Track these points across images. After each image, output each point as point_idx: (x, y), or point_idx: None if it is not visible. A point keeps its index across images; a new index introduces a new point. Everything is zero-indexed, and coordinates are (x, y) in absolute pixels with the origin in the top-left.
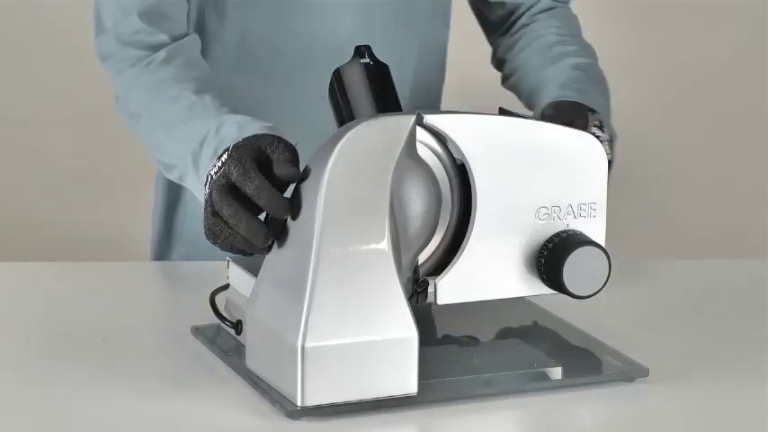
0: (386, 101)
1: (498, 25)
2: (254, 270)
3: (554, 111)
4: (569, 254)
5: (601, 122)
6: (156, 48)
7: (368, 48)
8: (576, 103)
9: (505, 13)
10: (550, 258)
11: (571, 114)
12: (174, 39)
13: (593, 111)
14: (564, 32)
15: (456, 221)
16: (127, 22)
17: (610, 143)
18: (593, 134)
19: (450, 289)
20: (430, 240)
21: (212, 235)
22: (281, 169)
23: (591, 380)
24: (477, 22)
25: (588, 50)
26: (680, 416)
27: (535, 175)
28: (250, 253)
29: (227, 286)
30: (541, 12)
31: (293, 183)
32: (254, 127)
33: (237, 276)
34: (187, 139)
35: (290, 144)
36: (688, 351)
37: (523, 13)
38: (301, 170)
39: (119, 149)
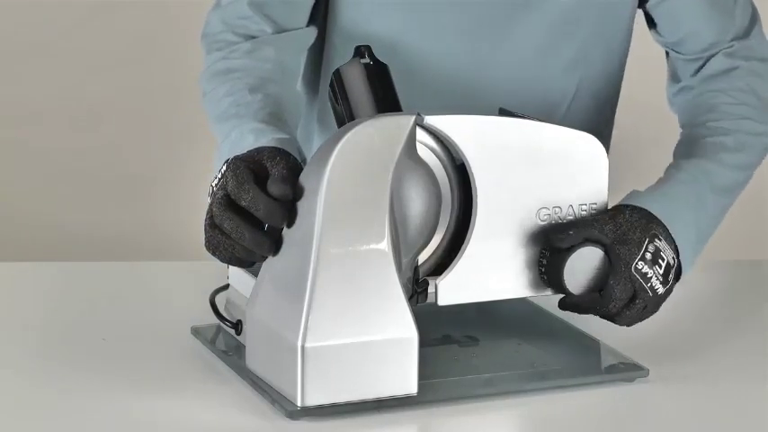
0: (386, 101)
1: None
2: (254, 270)
3: (612, 222)
4: (570, 254)
5: (657, 252)
6: (253, 37)
7: (368, 48)
8: (643, 215)
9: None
10: (551, 259)
11: (625, 232)
12: (279, 30)
13: (657, 234)
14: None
15: (456, 221)
16: (237, 6)
17: (666, 272)
18: (638, 272)
19: (451, 290)
20: (430, 240)
21: (211, 246)
22: (272, 187)
23: (591, 380)
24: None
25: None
26: (680, 416)
27: (535, 176)
28: (251, 263)
29: (227, 286)
30: (718, 74)
31: (287, 200)
32: (267, 138)
33: (237, 276)
34: (219, 136)
35: (293, 160)
36: (688, 351)
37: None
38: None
39: (119, 149)
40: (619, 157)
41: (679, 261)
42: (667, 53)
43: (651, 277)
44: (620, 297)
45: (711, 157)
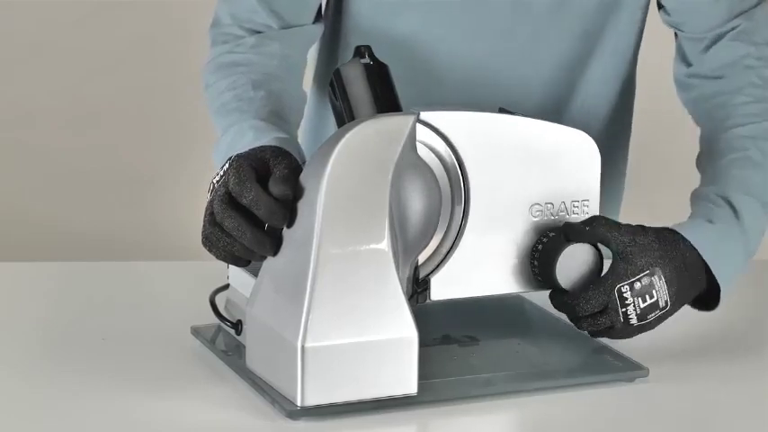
0: (386, 101)
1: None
2: (254, 270)
3: (630, 236)
4: (561, 251)
5: (649, 287)
6: (259, 32)
7: (368, 48)
8: (661, 247)
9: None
10: (543, 255)
11: (633, 253)
12: (285, 26)
13: (655, 272)
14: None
15: (456, 221)
16: (245, 1)
17: (649, 311)
18: (619, 293)
19: (443, 285)
20: (430, 240)
21: (208, 243)
22: (274, 187)
23: (591, 380)
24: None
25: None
26: (680, 416)
27: (528, 172)
28: (247, 262)
29: (227, 286)
30: (728, 65)
31: (288, 200)
32: (267, 137)
33: (237, 276)
34: (218, 128)
35: (294, 160)
36: (688, 351)
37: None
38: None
39: (119, 149)
40: (635, 162)
41: (672, 304)
42: (676, 34)
43: (629, 305)
44: (590, 304)
45: (744, 188)
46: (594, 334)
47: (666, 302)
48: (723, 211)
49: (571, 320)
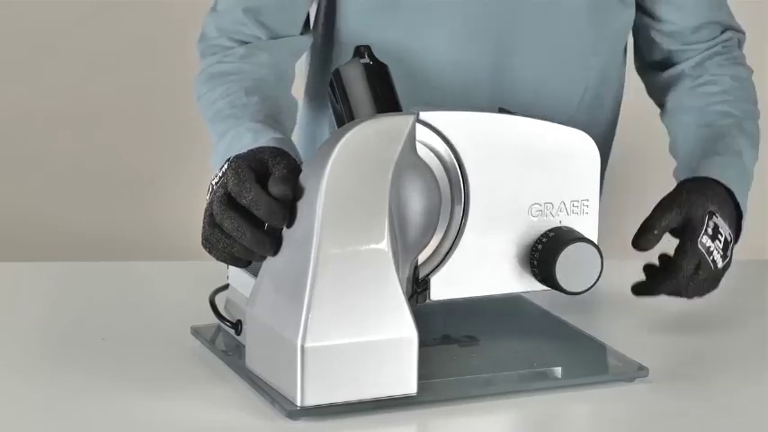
0: (386, 101)
1: (657, 65)
2: (254, 270)
3: (673, 204)
4: (561, 250)
5: (716, 228)
6: (247, 43)
7: (368, 48)
8: (699, 194)
9: (667, 57)
10: (543, 255)
11: (689, 211)
12: (273, 36)
13: (714, 212)
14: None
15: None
16: (232, 12)
17: (725, 247)
18: (703, 246)
19: (443, 284)
20: (430, 240)
21: (208, 244)
22: (273, 187)
23: (591, 380)
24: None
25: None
26: (680, 416)
27: (528, 172)
28: (247, 262)
29: (227, 286)
30: (708, 58)
31: (287, 200)
32: (265, 138)
33: (237, 276)
34: (214, 136)
35: (293, 160)
36: (688, 351)
37: (688, 58)
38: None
39: (119, 149)
40: (623, 160)
41: (737, 235)
42: (635, 31)
43: (713, 251)
44: (687, 269)
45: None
46: (696, 292)
47: (730, 235)
48: (729, 151)
49: (678, 293)
